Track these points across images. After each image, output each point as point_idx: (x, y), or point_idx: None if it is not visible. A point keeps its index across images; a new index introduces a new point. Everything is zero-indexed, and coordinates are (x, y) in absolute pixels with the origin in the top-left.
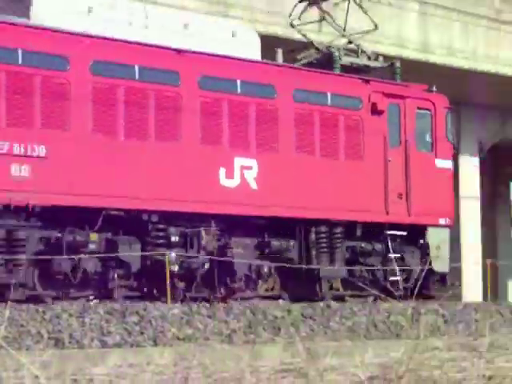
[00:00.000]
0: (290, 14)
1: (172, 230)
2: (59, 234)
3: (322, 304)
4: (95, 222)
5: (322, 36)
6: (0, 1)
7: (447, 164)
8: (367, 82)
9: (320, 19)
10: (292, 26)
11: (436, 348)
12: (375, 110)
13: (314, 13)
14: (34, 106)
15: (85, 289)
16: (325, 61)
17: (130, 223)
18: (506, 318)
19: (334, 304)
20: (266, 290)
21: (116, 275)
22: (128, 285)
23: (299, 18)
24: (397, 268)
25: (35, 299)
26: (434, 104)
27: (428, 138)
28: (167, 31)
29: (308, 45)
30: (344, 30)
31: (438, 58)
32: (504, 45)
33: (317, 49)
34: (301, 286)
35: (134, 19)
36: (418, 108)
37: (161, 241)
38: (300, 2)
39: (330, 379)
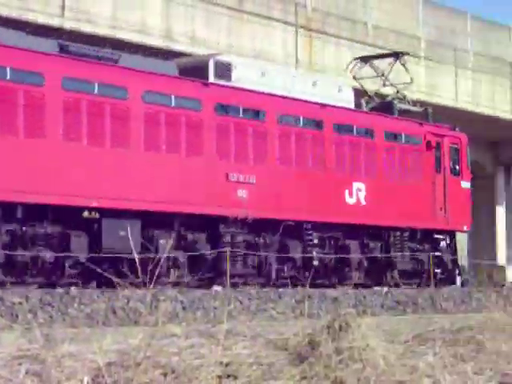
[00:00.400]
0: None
1: (315, 234)
2: (256, 238)
3: (60, 290)
4: (277, 229)
5: (368, 85)
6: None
7: (468, 185)
8: (422, 124)
9: (378, 74)
10: (354, 78)
11: (174, 335)
12: (428, 146)
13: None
14: (248, 148)
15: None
16: (383, 107)
17: (294, 230)
18: (244, 306)
19: (73, 290)
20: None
21: (286, 268)
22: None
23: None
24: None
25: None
26: (460, 140)
27: (456, 166)
28: (302, 91)
29: (362, 93)
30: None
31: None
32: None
33: (369, 96)
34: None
35: (287, 83)
36: (451, 143)
37: (310, 242)
38: (355, 59)
39: (68, 365)
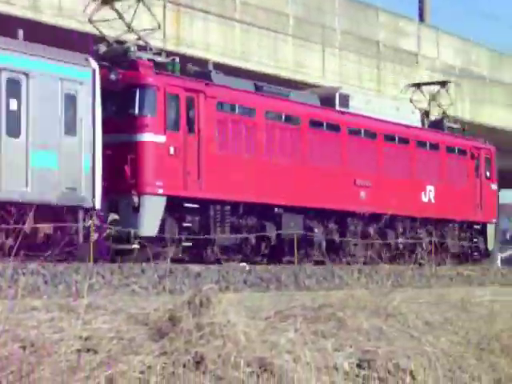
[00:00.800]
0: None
1: (401, 225)
2: (368, 228)
3: None
4: (380, 221)
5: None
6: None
7: (495, 187)
8: (467, 139)
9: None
10: (411, 100)
11: (34, 308)
12: (472, 157)
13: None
14: (367, 160)
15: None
16: (435, 124)
17: (390, 222)
18: (107, 280)
19: None
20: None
21: (384, 249)
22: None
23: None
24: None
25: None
26: (490, 151)
27: (488, 172)
28: (391, 114)
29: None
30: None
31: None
32: None
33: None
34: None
35: (382, 109)
36: (485, 154)
37: (398, 231)
38: (408, 85)
39: None
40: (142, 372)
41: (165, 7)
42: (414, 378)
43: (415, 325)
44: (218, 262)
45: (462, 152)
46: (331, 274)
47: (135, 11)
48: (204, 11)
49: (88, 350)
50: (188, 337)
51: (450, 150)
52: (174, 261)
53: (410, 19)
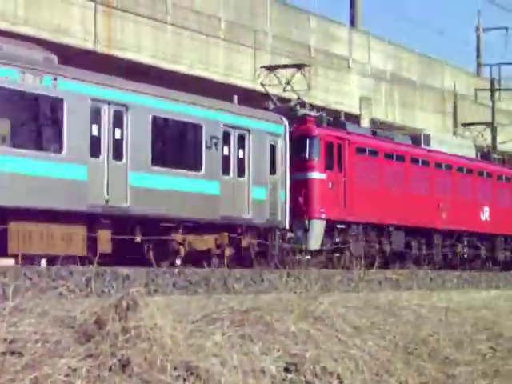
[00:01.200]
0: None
1: (465, 239)
2: (444, 241)
3: None
4: (452, 236)
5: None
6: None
7: None
8: (509, 168)
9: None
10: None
11: None
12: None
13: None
14: (446, 187)
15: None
16: (483, 155)
17: (459, 235)
18: (34, 283)
19: None
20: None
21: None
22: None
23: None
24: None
25: None
26: None
27: None
28: (458, 151)
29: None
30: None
31: None
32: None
33: (478, 149)
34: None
35: (449, 147)
36: None
37: (463, 243)
38: (462, 125)
39: None
40: (67, 375)
41: (96, 10)
42: (341, 381)
43: (343, 329)
44: (347, 268)
45: (507, 178)
46: (260, 278)
47: (293, 76)
48: (135, 14)
49: (13, 353)
50: (114, 340)
51: (499, 177)
52: (323, 267)
53: (342, 24)
